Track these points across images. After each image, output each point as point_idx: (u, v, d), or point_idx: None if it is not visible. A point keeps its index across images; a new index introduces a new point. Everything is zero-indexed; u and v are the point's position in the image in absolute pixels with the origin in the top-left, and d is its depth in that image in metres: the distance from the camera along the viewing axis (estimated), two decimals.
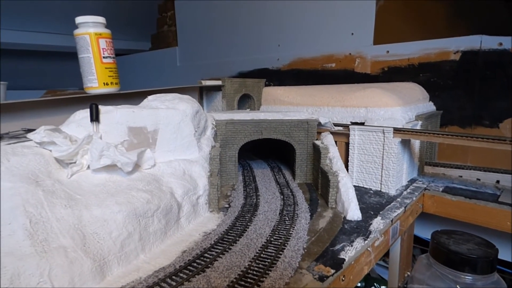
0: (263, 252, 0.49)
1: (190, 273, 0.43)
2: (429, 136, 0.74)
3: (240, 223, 0.59)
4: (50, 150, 0.51)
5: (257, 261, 0.46)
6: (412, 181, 0.86)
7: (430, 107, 1.03)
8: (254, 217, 0.62)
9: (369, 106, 0.86)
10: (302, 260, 0.48)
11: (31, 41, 2.35)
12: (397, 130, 0.76)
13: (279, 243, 0.51)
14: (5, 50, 2.28)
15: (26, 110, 0.74)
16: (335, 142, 0.84)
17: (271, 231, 0.56)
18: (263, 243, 0.51)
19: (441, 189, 0.80)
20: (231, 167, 0.83)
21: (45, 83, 2.81)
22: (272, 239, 0.53)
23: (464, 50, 1.01)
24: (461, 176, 0.89)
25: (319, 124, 0.87)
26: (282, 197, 0.72)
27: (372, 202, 0.72)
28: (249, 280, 0.42)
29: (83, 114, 0.57)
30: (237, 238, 0.53)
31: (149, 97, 0.71)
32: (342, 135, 0.87)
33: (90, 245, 0.43)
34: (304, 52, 1.44)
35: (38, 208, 0.42)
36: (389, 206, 0.69)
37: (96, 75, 0.78)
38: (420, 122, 0.86)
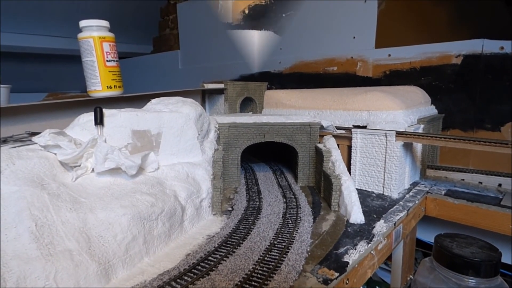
0: (267, 255, 0.49)
1: (195, 276, 0.43)
2: (431, 140, 0.74)
3: (243, 226, 0.60)
4: (55, 153, 0.51)
5: (261, 264, 0.46)
6: (414, 184, 0.86)
7: (432, 110, 1.03)
8: (257, 220, 0.62)
9: (371, 110, 0.87)
10: (306, 263, 0.48)
11: (32, 44, 2.36)
12: (399, 134, 0.76)
13: (283, 246, 0.51)
14: (5, 52, 2.28)
15: (29, 113, 0.74)
16: (338, 145, 0.85)
17: (275, 234, 0.56)
18: (267, 246, 0.51)
19: (443, 192, 0.80)
20: (234, 170, 0.83)
21: (46, 85, 2.82)
22: (275, 242, 0.53)
23: (465, 54, 1.02)
24: (463, 180, 0.89)
25: (322, 127, 0.87)
26: (284, 200, 0.72)
27: (375, 205, 0.72)
28: (253, 283, 0.42)
29: (88, 117, 0.58)
30: (241, 241, 0.53)
31: (153, 101, 0.71)
32: (345, 138, 0.87)
33: (95, 248, 0.43)
34: (306, 56, 1.44)
35: (43, 211, 0.42)
36: (391, 209, 0.69)
37: (100, 79, 0.78)
38: (422, 126, 0.87)
